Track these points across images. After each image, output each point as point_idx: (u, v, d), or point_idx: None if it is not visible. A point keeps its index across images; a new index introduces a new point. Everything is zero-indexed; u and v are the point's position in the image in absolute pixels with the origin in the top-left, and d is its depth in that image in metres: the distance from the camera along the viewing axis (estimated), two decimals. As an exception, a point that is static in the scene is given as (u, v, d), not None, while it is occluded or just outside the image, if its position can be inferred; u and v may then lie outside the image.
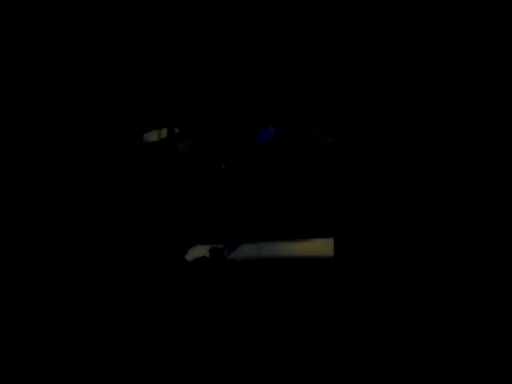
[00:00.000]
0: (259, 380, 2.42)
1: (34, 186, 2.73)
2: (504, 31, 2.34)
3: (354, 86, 2.58)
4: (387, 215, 2.49)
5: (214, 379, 2.45)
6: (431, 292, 2.36)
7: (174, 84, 2.79)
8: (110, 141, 2.79)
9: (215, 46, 2.73)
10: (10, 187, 2.72)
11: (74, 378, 2.50)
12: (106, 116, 2.80)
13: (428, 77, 2.47)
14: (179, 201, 2.80)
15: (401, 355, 2.33)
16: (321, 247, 2.70)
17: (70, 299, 2.68)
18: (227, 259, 2.74)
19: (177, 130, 2.80)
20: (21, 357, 2.56)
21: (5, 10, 2.66)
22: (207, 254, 2.73)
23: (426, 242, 2.39)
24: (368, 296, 2.45)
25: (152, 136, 2.83)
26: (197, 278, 2.68)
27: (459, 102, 2.42)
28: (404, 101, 2.48)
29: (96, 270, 2.69)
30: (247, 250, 2.76)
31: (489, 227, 2.32)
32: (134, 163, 2.78)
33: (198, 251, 2.74)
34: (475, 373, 2.20)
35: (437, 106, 2.45)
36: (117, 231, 2.74)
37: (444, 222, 2.36)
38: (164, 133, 2.81)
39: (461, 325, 2.29)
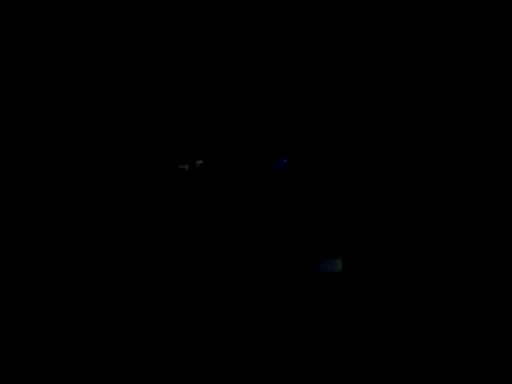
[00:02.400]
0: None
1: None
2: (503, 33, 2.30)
3: (361, 110, 2.65)
4: (393, 231, 2.53)
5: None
6: (434, 300, 2.43)
7: (193, 120, 2.93)
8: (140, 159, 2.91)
9: (234, 86, 2.87)
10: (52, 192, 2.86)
11: (74, 377, 2.42)
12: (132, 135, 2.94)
13: (433, 93, 2.52)
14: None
15: (404, 355, 2.40)
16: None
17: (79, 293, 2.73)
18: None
19: (197, 161, 2.94)
20: (21, 356, 2.49)
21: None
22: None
23: (432, 250, 2.43)
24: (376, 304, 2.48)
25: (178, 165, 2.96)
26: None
27: (463, 119, 2.45)
28: (410, 121, 2.52)
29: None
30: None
31: (495, 253, 2.34)
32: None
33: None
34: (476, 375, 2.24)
35: (443, 121, 2.50)
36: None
37: (448, 236, 2.37)
38: (186, 163, 2.95)
39: (460, 331, 2.35)
